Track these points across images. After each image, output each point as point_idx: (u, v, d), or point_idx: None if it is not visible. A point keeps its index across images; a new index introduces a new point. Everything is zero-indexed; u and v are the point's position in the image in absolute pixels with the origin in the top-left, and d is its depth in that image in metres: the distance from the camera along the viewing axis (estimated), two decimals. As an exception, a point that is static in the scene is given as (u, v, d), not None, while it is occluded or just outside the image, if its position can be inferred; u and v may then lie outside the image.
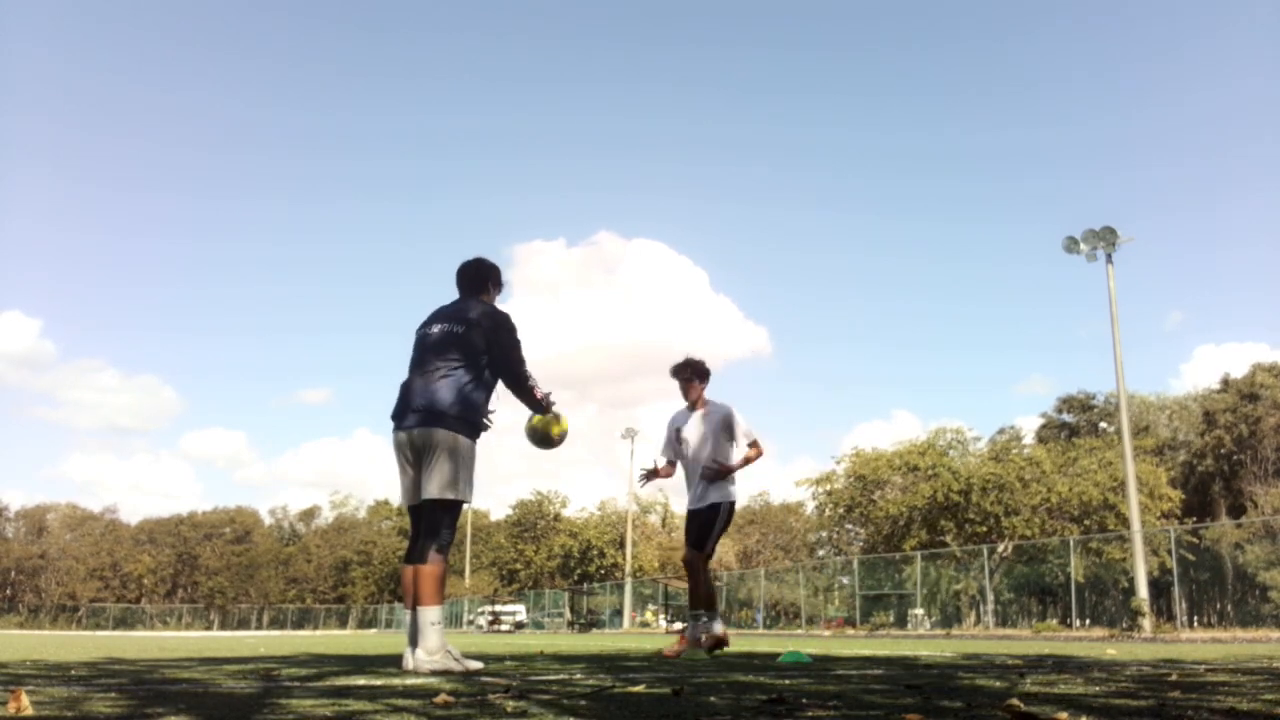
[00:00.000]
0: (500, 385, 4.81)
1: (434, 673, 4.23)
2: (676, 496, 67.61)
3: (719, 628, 6.58)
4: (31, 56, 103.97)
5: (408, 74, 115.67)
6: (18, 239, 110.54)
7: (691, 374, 6.67)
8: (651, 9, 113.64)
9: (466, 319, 4.69)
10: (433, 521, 4.50)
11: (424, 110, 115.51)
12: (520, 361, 4.76)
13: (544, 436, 5.04)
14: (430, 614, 4.41)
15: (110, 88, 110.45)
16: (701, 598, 6.56)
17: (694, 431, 6.63)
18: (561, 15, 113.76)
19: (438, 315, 4.80)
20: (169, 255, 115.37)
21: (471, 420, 4.58)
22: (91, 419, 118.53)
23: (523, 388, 4.81)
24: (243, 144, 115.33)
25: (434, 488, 4.47)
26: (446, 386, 4.55)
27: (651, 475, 6.76)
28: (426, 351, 4.67)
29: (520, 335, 4.79)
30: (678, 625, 39.13)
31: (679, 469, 6.81)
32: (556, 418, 5.01)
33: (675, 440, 6.75)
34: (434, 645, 4.39)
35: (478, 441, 4.66)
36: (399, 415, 4.63)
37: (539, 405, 4.90)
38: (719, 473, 6.47)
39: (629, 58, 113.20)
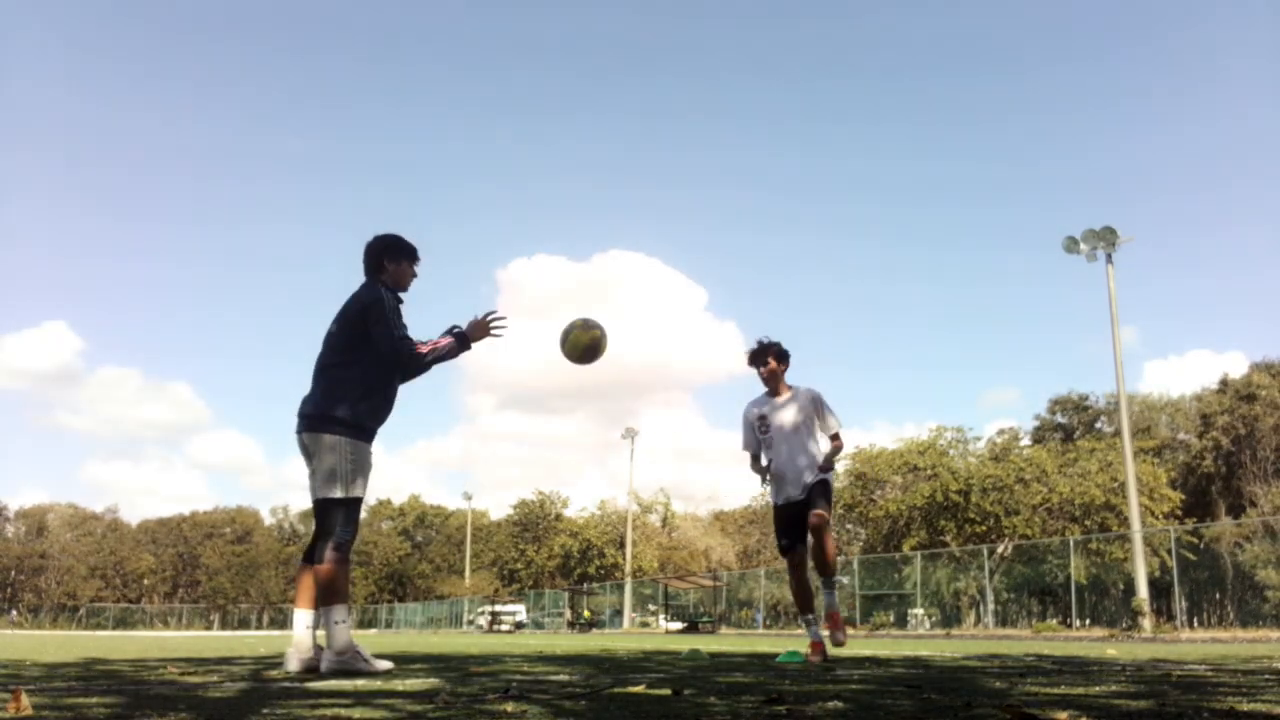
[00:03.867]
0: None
1: (341, 673, 4.19)
2: (676, 498, 67.60)
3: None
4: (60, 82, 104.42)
5: (413, 85, 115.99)
6: (58, 255, 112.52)
7: (773, 358, 6.21)
8: (655, 22, 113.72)
9: (340, 315, 4.59)
10: (326, 520, 4.43)
11: (429, 123, 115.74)
12: (392, 339, 4.43)
13: (577, 351, 4.87)
14: (335, 613, 4.37)
15: (146, 120, 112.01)
16: (828, 565, 6.09)
17: (783, 417, 6.16)
18: (568, 29, 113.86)
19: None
20: (193, 270, 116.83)
21: (354, 421, 4.45)
22: (111, 426, 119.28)
23: (413, 362, 4.51)
24: (257, 159, 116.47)
25: (321, 487, 4.41)
26: (327, 387, 4.47)
27: (765, 472, 6.22)
28: (320, 354, 4.61)
29: (385, 308, 4.47)
30: (676, 625, 39.09)
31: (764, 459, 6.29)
32: (575, 332, 4.82)
33: (759, 429, 6.24)
34: (342, 644, 4.35)
35: (369, 439, 4.53)
36: (297, 417, 4.57)
37: (442, 355, 4.57)
38: (825, 468, 6.07)
39: (631, 74, 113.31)
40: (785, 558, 6.26)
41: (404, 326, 4.54)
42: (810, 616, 6.22)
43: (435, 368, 4.68)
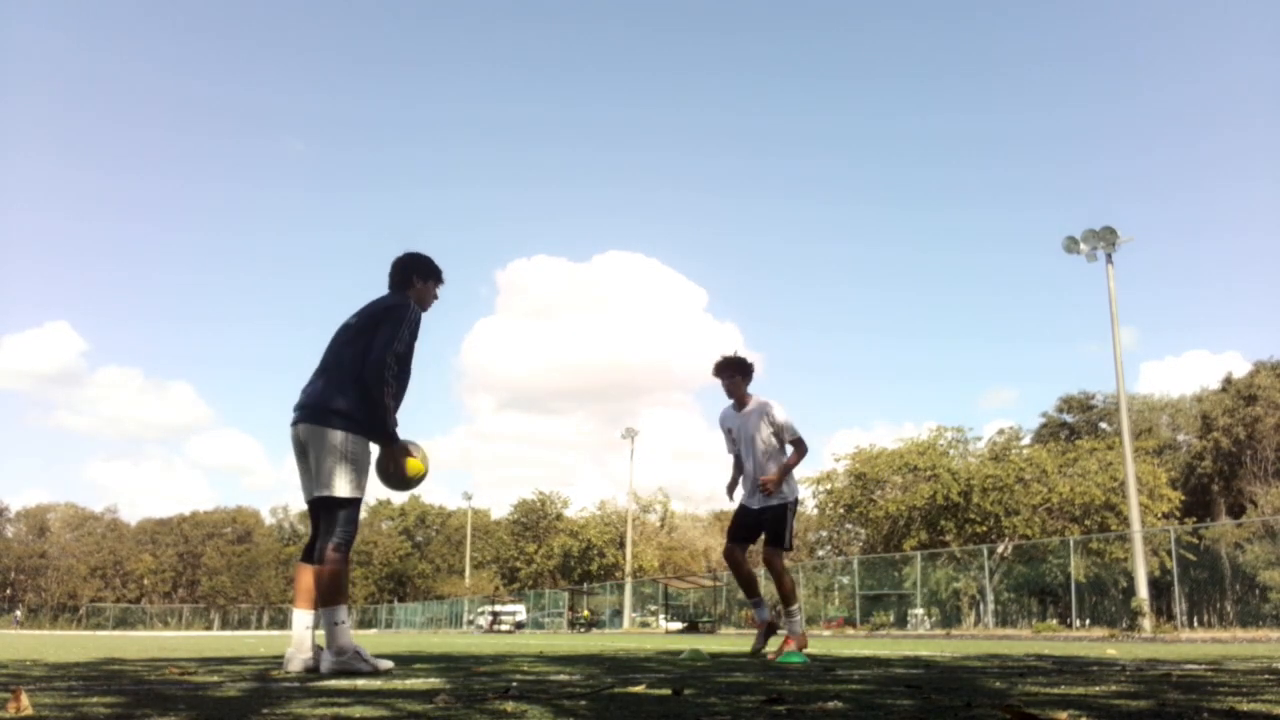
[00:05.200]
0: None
1: (342, 674, 4.18)
2: (676, 498, 67.45)
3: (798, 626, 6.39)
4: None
5: (411, 87, 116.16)
6: (61, 257, 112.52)
7: (733, 371, 6.50)
8: (656, 22, 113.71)
9: (365, 311, 4.59)
10: (328, 519, 4.40)
11: (428, 124, 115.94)
12: (384, 350, 4.38)
13: (395, 477, 4.54)
14: (335, 614, 4.35)
15: (147, 121, 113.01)
16: (787, 594, 6.38)
17: (741, 429, 6.50)
18: (568, 30, 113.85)
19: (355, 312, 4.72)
20: (196, 271, 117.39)
21: (363, 418, 4.41)
22: (112, 426, 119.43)
23: (375, 378, 4.37)
24: (258, 161, 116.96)
25: (326, 485, 4.34)
26: (338, 383, 4.43)
27: (734, 484, 6.66)
28: (329, 347, 4.59)
29: (406, 331, 4.49)
30: (676, 625, 39.09)
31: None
32: (406, 450, 4.50)
33: (728, 438, 6.65)
34: (341, 645, 4.33)
35: (371, 439, 4.50)
36: (295, 409, 4.53)
37: (378, 417, 4.40)
38: (769, 486, 6.28)
39: (630, 75, 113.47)
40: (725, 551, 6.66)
41: (408, 351, 4.52)
42: (756, 600, 6.64)
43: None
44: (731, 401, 6.60)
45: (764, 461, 6.39)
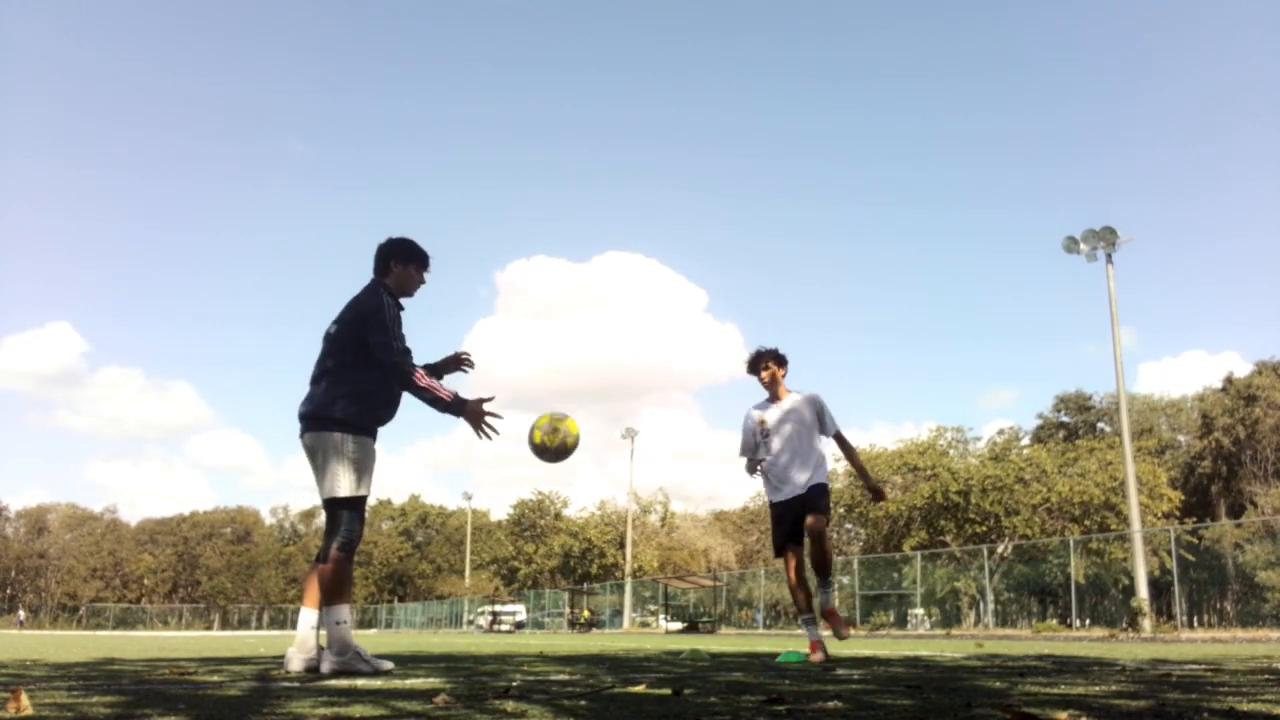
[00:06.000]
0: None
1: (342, 674, 4.18)
2: (676, 498, 67.34)
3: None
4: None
5: (412, 88, 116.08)
6: (62, 257, 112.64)
7: (770, 361, 6.18)
8: (656, 22, 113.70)
9: (340, 316, 4.56)
10: (333, 520, 4.42)
11: (428, 125, 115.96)
12: (391, 350, 4.37)
13: (539, 449, 4.50)
14: (337, 613, 4.35)
15: (148, 122, 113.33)
16: (825, 566, 6.00)
17: (784, 420, 6.13)
18: (567, 31, 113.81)
19: None
20: (197, 271, 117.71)
21: (355, 420, 4.43)
22: (112, 427, 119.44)
23: (403, 381, 4.42)
24: (259, 162, 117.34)
25: (326, 487, 4.40)
26: (327, 387, 4.44)
27: (756, 466, 6.24)
28: (319, 357, 4.59)
29: (385, 316, 4.40)
30: (676, 625, 39.08)
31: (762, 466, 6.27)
32: (553, 428, 4.48)
33: (760, 434, 6.19)
34: (342, 645, 4.32)
35: (372, 437, 4.50)
36: (298, 419, 4.56)
37: (437, 401, 4.43)
38: (878, 494, 6.37)
39: (629, 76, 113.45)
40: (780, 558, 6.20)
41: (403, 337, 4.49)
42: (809, 616, 6.17)
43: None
44: (764, 398, 6.26)
45: (807, 456, 6.06)
